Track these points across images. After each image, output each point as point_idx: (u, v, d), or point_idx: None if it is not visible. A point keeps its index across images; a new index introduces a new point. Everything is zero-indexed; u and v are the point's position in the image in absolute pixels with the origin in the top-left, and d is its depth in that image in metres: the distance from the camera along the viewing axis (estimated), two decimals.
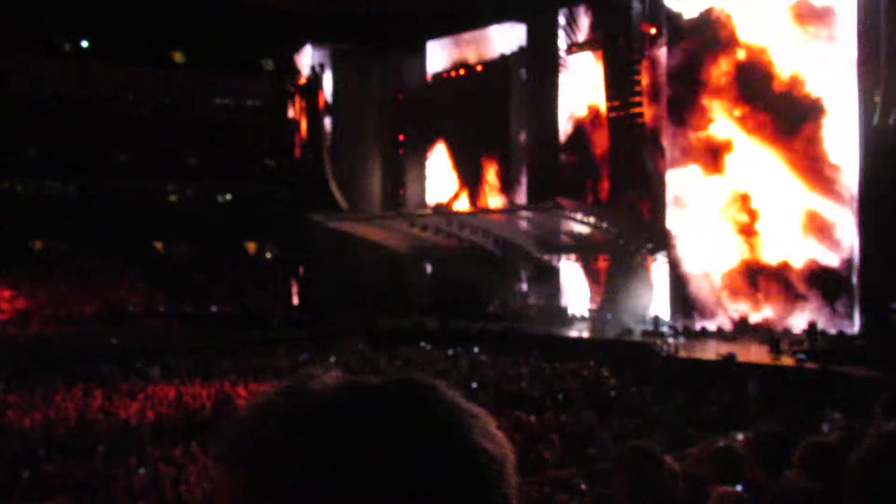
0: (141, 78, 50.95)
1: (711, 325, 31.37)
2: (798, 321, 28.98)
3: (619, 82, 36.64)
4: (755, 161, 30.59)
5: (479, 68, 44.28)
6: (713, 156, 31.65)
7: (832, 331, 27.85)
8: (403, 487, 0.84)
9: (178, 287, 44.51)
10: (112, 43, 49.88)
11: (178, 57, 53.14)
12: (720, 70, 31.16)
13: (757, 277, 30.72)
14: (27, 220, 46.91)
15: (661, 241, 33.84)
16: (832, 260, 29.32)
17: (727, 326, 31.05)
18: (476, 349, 28.72)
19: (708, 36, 31.49)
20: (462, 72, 44.99)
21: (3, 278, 41.87)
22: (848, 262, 29.03)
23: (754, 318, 30.53)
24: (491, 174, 44.28)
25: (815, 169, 29.38)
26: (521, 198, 42.34)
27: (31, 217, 47.13)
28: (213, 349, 29.64)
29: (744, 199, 31.04)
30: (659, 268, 34.36)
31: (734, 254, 31.38)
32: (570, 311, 38.35)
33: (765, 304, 30.53)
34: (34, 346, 31.84)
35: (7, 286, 41.79)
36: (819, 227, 29.34)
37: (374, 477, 0.84)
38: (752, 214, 30.87)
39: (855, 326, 28.39)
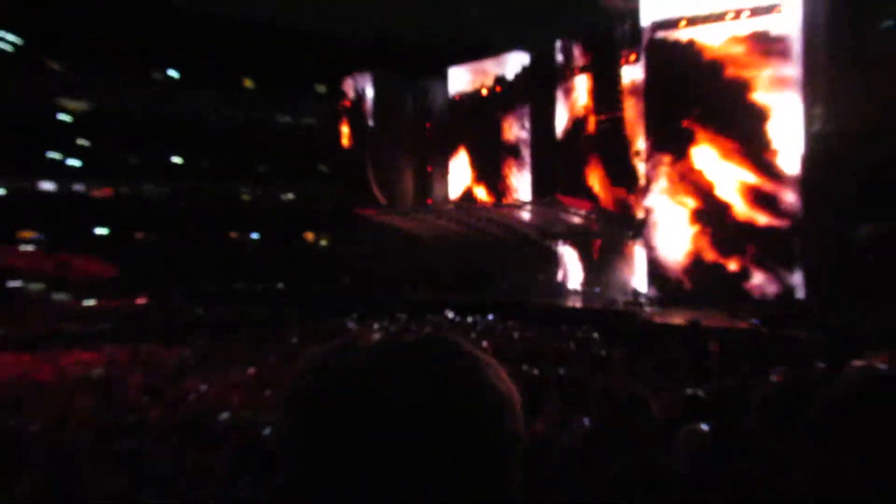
0: (219, 100, 51.32)
1: (680, 296, 31.16)
2: (756, 282, 29.05)
3: (605, 98, 36.46)
4: (714, 155, 30.45)
5: (492, 88, 44.32)
6: (681, 152, 31.41)
7: (779, 296, 27.89)
8: (434, 420, 0.87)
9: (250, 270, 44.91)
10: (196, 72, 50.37)
11: (248, 83, 53.55)
12: (686, 83, 30.92)
13: (718, 246, 30.54)
14: (128, 217, 47.46)
15: (640, 227, 33.68)
16: (780, 227, 29.17)
17: (692, 296, 30.89)
18: (490, 317, 28.71)
19: (677, 56, 31.26)
20: (479, 91, 44.98)
21: (111, 264, 42.32)
22: (791, 231, 28.92)
23: (716, 285, 30.24)
24: (503, 174, 44.26)
25: (762, 157, 29.33)
26: (528, 193, 42.32)
27: (131, 215, 47.64)
28: (281, 320, 29.80)
29: (705, 184, 30.82)
30: (638, 249, 34.24)
31: (698, 232, 31.16)
32: (567, 286, 38.32)
33: (724, 271, 30.34)
34: (130, 315, 32.19)
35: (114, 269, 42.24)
36: (766, 201, 29.21)
37: (410, 413, 0.87)
38: (711, 194, 30.66)
39: (800, 290, 28.37)
